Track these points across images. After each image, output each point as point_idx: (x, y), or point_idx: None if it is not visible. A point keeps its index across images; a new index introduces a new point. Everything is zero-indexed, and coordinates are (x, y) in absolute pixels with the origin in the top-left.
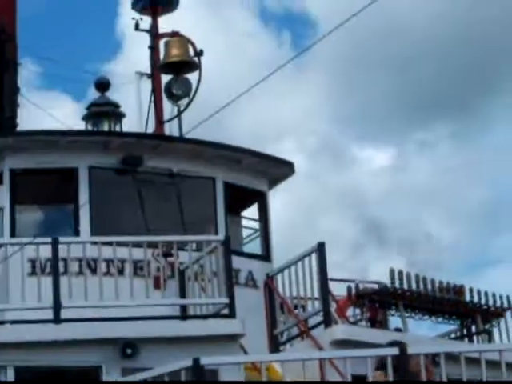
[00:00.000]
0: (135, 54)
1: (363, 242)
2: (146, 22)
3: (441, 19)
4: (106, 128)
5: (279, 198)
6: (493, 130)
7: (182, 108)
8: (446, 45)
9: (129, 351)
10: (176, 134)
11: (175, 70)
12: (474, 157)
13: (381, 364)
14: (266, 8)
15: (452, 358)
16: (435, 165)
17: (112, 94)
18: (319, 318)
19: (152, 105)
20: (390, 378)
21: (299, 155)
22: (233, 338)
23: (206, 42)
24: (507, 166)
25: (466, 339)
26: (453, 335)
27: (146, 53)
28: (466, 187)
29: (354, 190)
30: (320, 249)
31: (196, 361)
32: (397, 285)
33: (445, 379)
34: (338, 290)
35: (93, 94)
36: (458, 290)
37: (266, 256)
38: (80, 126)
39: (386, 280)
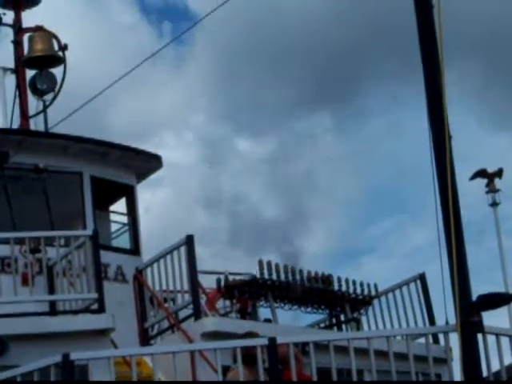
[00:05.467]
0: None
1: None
2: (10, 16)
3: (322, 15)
4: None
5: (157, 192)
6: (368, 121)
7: (47, 103)
8: (328, 37)
9: None
10: (42, 129)
11: (40, 64)
12: (352, 147)
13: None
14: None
15: (322, 347)
16: (315, 156)
17: None
18: (189, 310)
19: (17, 100)
20: (260, 369)
21: (178, 148)
22: (103, 333)
23: (84, 35)
24: (381, 156)
25: (335, 328)
26: (322, 324)
27: (11, 48)
28: (344, 177)
29: (233, 183)
30: (188, 241)
31: (65, 356)
32: (266, 276)
33: (314, 368)
34: (208, 282)
35: None
36: (327, 280)
37: (134, 250)
38: None
39: (256, 271)
